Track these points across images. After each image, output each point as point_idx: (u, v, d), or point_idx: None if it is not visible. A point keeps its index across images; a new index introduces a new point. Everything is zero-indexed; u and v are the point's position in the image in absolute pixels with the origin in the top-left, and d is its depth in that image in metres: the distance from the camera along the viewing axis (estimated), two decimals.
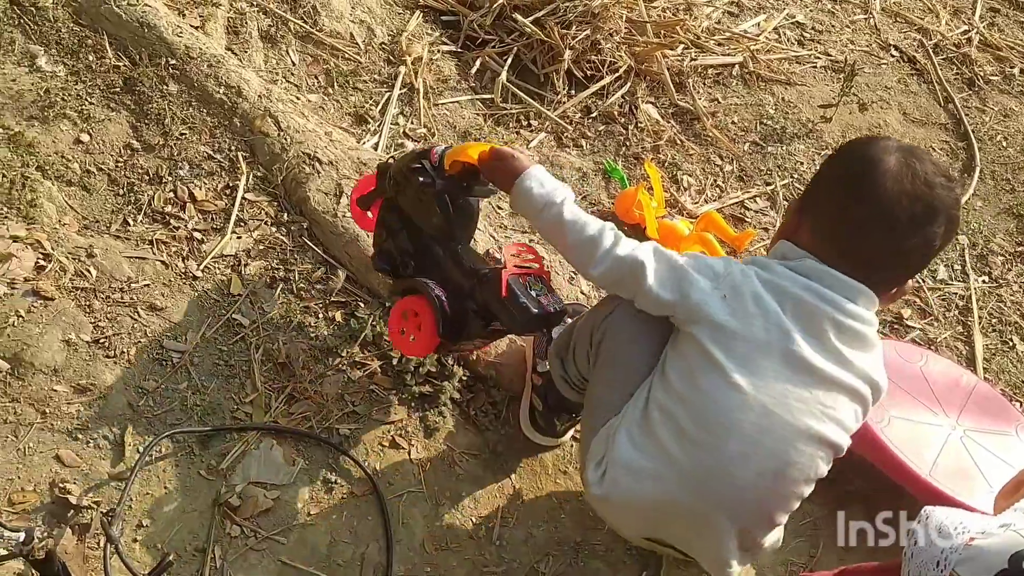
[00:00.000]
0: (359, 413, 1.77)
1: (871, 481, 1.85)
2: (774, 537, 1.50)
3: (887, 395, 1.81)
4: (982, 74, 3.17)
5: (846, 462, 1.50)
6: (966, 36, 3.32)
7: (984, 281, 2.49)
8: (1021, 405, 2.22)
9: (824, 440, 1.38)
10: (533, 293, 1.59)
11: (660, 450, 1.38)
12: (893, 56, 3.14)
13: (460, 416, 1.84)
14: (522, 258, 1.65)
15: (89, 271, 1.78)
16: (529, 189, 1.49)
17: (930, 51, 3.19)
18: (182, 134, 2.03)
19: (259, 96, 2.09)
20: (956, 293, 2.43)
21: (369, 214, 1.80)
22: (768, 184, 2.56)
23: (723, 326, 1.36)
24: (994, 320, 2.40)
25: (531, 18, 2.61)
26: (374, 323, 1.87)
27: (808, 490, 1.41)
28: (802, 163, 2.64)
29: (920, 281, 2.43)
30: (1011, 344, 2.35)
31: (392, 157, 1.88)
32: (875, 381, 1.43)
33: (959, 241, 2.57)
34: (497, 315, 1.63)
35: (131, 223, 1.90)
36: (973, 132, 2.90)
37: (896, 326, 2.32)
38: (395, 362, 1.83)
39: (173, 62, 2.09)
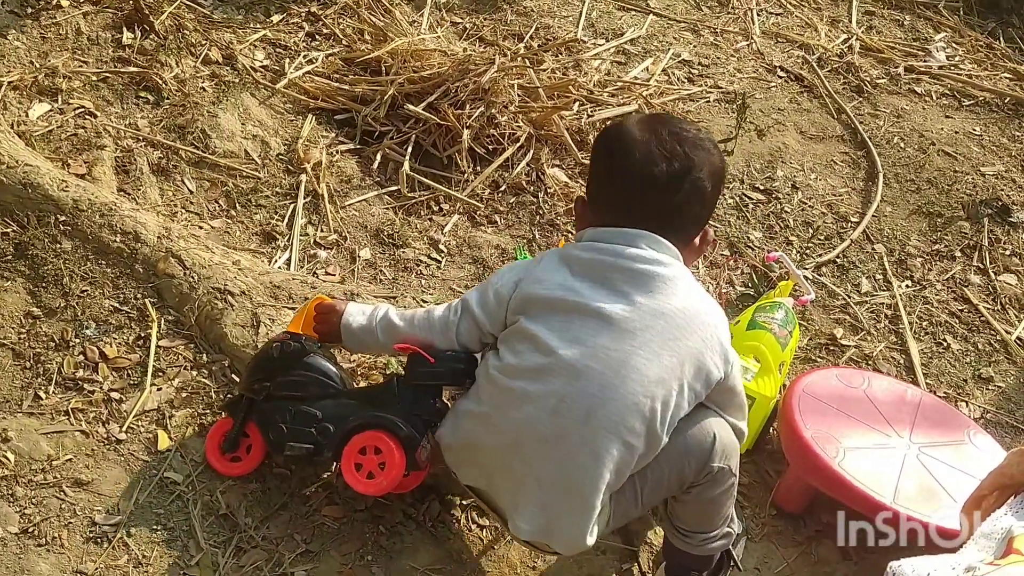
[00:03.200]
0: (313, 551, 1.71)
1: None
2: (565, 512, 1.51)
3: (839, 426, 1.84)
4: (868, 79, 3.26)
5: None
6: (847, 44, 3.43)
7: (907, 285, 2.53)
8: (967, 405, 2.25)
9: (606, 385, 1.45)
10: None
11: (473, 393, 1.58)
12: (780, 77, 3.22)
13: (417, 531, 1.79)
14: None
15: (6, 457, 1.70)
16: (349, 325, 1.69)
17: (814, 65, 3.27)
18: (83, 291, 1.97)
19: (158, 237, 2.04)
20: (882, 302, 2.47)
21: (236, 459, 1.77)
22: None
23: (524, 301, 1.53)
24: (924, 323, 2.44)
25: (423, 104, 2.61)
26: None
27: (638, 424, 1.46)
28: None
29: (846, 297, 2.46)
30: (945, 344, 2.39)
31: (230, 395, 1.88)
32: (657, 312, 1.49)
33: (876, 250, 2.62)
34: (439, 380, 1.67)
35: (43, 396, 1.82)
36: (870, 139, 2.98)
37: (831, 347, 2.34)
38: (338, 489, 1.77)
39: (63, 218, 2.03)
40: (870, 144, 2.95)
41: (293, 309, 1.98)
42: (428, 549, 1.77)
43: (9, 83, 2.33)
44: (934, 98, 3.21)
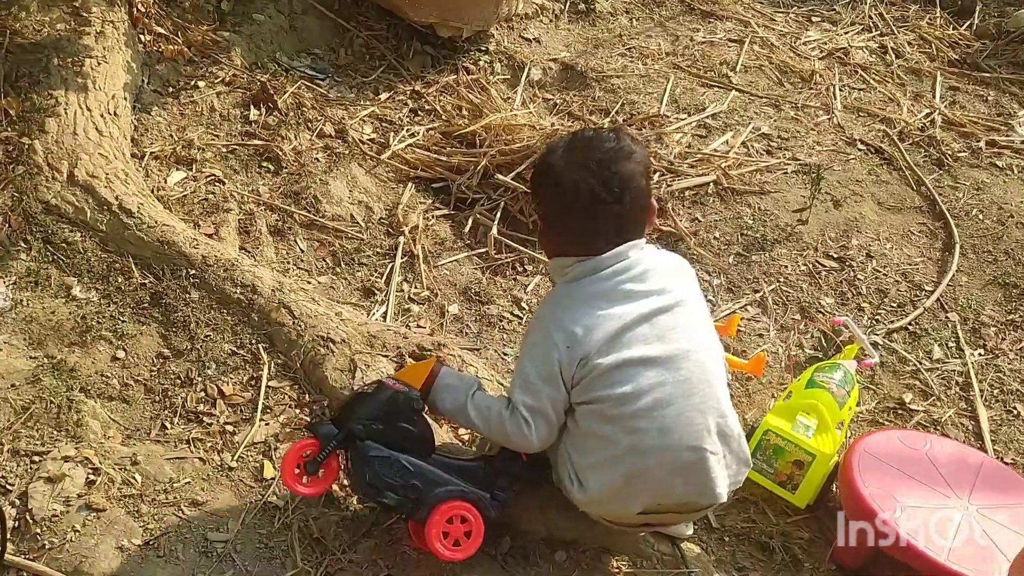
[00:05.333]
0: (393, 575, 1.88)
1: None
2: (735, 448, 1.79)
3: (898, 485, 1.92)
4: (950, 152, 3.33)
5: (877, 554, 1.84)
6: (929, 119, 3.50)
7: (980, 354, 2.57)
8: None
9: (693, 347, 1.75)
10: None
11: (601, 442, 1.73)
12: (860, 150, 3.33)
13: (490, 563, 1.94)
14: None
15: (135, 478, 1.94)
16: (442, 402, 1.87)
17: (895, 139, 3.36)
18: (207, 336, 2.23)
19: (272, 290, 2.30)
20: (954, 370, 2.52)
21: (305, 478, 1.82)
22: (756, 291, 2.70)
23: (588, 354, 1.71)
24: (995, 391, 2.47)
25: (512, 174, 2.84)
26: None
27: (720, 388, 1.77)
28: (786, 266, 2.79)
29: (917, 364, 2.52)
30: (1015, 412, 2.42)
31: (317, 416, 2.07)
32: (683, 278, 1.83)
33: (949, 318, 2.67)
34: (520, 478, 1.87)
35: (168, 426, 2.08)
36: (948, 210, 3.04)
37: (899, 411, 2.40)
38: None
39: (193, 272, 2.31)
40: (948, 215, 3.01)
41: (386, 356, 2.20)
42: None
43: (151, 153, 2.67)
44: (1015, 172, 3.25)
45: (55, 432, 1.99)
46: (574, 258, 1.78)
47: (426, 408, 1.89)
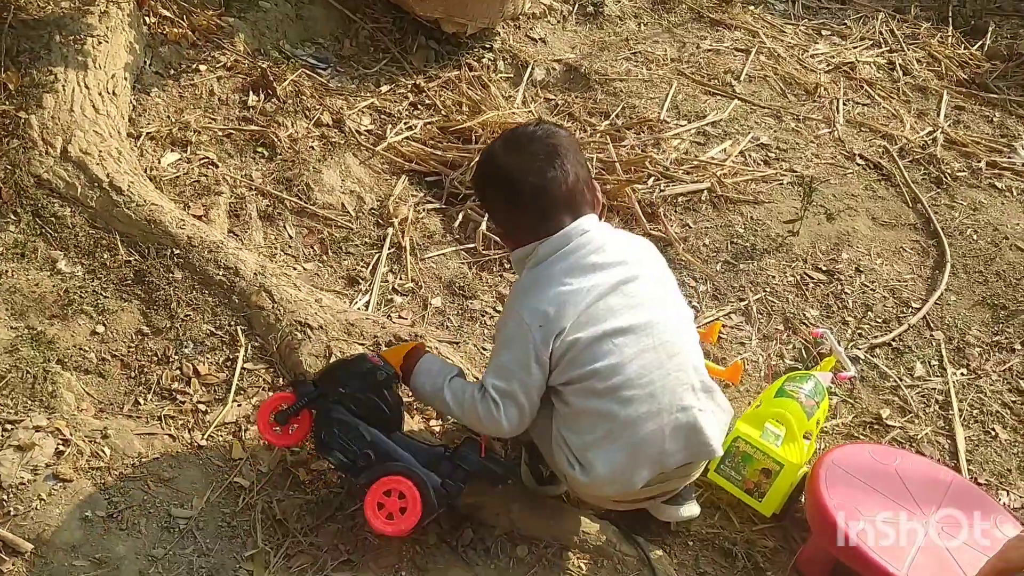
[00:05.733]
0: (353, 561, 1.89)
1: None
2: (718, 400, 1.87)
3: (863, 498, 1.92)
4: (949, 171, 3.32)
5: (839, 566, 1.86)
6: (931, 137, 3.49)
7: (963, 374, 2.56)
8: (1007, 494, 2.26)
9: (664, 311, 1.81)
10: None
11: (596, 418, 1.76)
12: (859, 164, 3.32)
13: (450, 554, 1.95)
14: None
15: (104, 451, 1.96)
16: (421, 386, 1.90)
17: (895, 155, 3.35)
18: (187, 315, 2.25)
19: (254, 273, 2.32)
20: (934, 388, 2.51)
21: (278, 429, 1.92)
22: (742, 300, 2.69)
23: (567, 332, 1.72)
24: (975, 411, 2.46)
25: None
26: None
27: (694, 347, 1.86)
28: (774, 276, 2.78)
29: (897, 380, 2.51)
30: (993, 433, 2.40)
31: (302, 374, 2.11)
32: (642, 250, 1.88)
33: (934, 337, 2.66)
34: (477, 473, 1.87)
35: (142, 402, 2.10)
36: (943, 229, 3.03)
37: (876, 426, 2.39)
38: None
39: (177, 252, 2.33)
40: (942, 233, 3.00)
41: (363, 345, 2.21)
42: (457, 572, 1.92)
43: (147, 133, 2.70)
44: (1014, 194, 3.23)
45: (29, 402, 2.01)
46: (534, 243, 1.80)
47: (401, 387, 1.95)
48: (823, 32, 4.15)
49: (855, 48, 4.01)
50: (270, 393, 2.15)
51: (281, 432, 1.93)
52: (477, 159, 1.91)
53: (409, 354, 1.96)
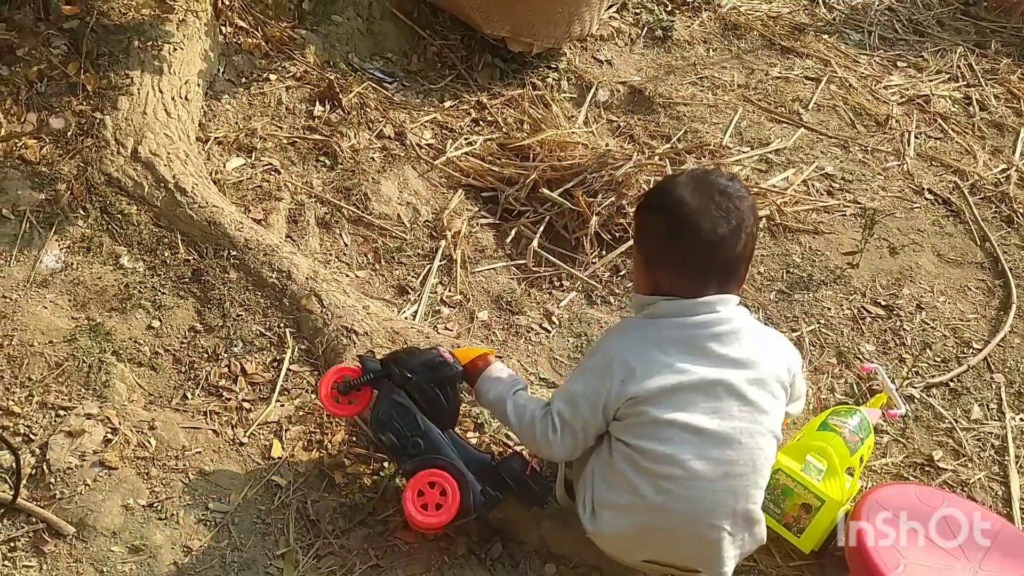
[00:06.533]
0: (382, 566, 1.91)
1: None
2: (755, 532, 1.76)
3: (907, 542, 1.86)
4: (1022, 211, 3.20)
5: None
6: (1004, 174, 3.38)
7: (1022, 419, 2.46)
8: None
9: (750, 433, 1.69)
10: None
11: (627, 486, 1.70)
12: (927, 199, 3.23)
13: (478, 567, 1.95)
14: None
15: (150, 442, 2.02)
16: (486, 391, 1.91)
17: (965, 191, 3.25)
18: (239, 315, 2.31)
19: (306, 278, 2.37)
20: (991, 432, 2.41)
21: (338, 399, 1.98)
22: (794, 331, 2.64)
23: (640, 398, 1.67)
24: None
25: (560, 190, 2.86)
26: (398, 480, 2.03)
27: (763, 477, 1.72)
28: (829, 308, 2.72)
29: (953, 422, 2.42)
30: None
31: (370, 351, 2.19)
32: (770, 357, 1.74)
33: (995, 379, 2.56)
34: (515, 488, 1.89)
35: (189, 397, 2.16)
36: (1011, 269, 2.92)
37: (927, 468, 2.31)
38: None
39: (234, 253, 2.39)
40: (1009, 274, 2.90)
41: None
42: None
43: (215, 139, 2.78)
44: None
45: (83, 390, 2.09)
46: (660, 296, 1.73)
47: (464, 388, 2.00)
48: (898, 64, 4.06)
49: (931, 81, 3.91)
50: (312, 396, 2.19)
51: (340, 402, 1.97)
52: (658, 185, 1.79)
53: (479, 358, 1.98)
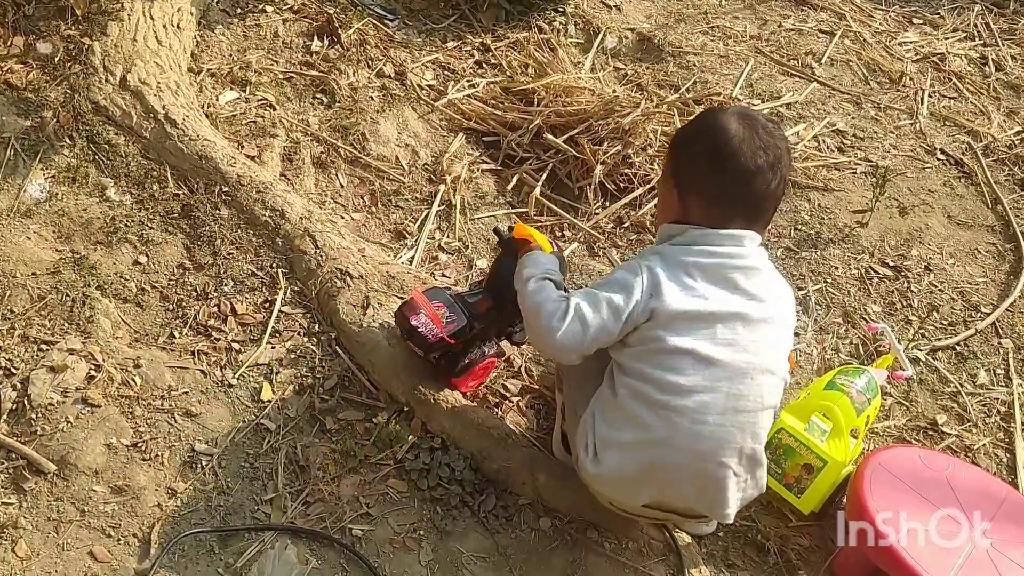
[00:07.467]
0: (372, 515, 1.86)
1: None
2: (758, 476, 1.72)
3: (908, 503, 1.81)
4: None
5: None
6: (1019, 136, 3.29)
7: None
8: None
9: (760, 369, 1.66)
10: None
11: (634, 421, 1.65)
12: (939, 159, 3.15)
13: (471, 519, 1.90)
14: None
15: (134, 380, 1.96)
16: (523, 266, 1.83)
17: (979, 153, 3.17)
18: (229, 253, 2.23)
19: (300, 217, 2.28)
20: (997, 398, 2.37)
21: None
22: (800, 288, 2.58)
23: (659, 317, 1.64)
24: None
25: (564, 137, 2.76)
26: (391, 427, 1.97)
27: (767, 417, 1.69)
28: (836, 267, 2.65)
29: (958, 386, 2.38)
30: None
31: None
32: (784, 300, 1.75)
33: (1002, 344, 2.51)
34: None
35: (177, 335, 2.08)
36: (1022, 234, 2.85)
37: (931, 432, 2.27)
38: (407, 465, 1.92)
39: (226, 189, 2.31)
40: (1021, 238, 2.83)
41: (402, 298, 2.16)
42: (477, 537, 1.88)
43: (208, 70, 2.68)
44: None
45: (66, 324, 2.01)
46: (689, 226, 1.70)
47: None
48: (914, 20, 3.94)
49: (947, 39, 3.80)
50: (304, 339, 2.12)
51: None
52: (702, 114, 1.80)
53: (539, 244, 1.91)
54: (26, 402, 1.86)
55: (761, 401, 1.67)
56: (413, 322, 1.94)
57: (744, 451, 1.67)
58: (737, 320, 1.66)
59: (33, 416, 1.84)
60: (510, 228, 2.06)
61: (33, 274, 2.07)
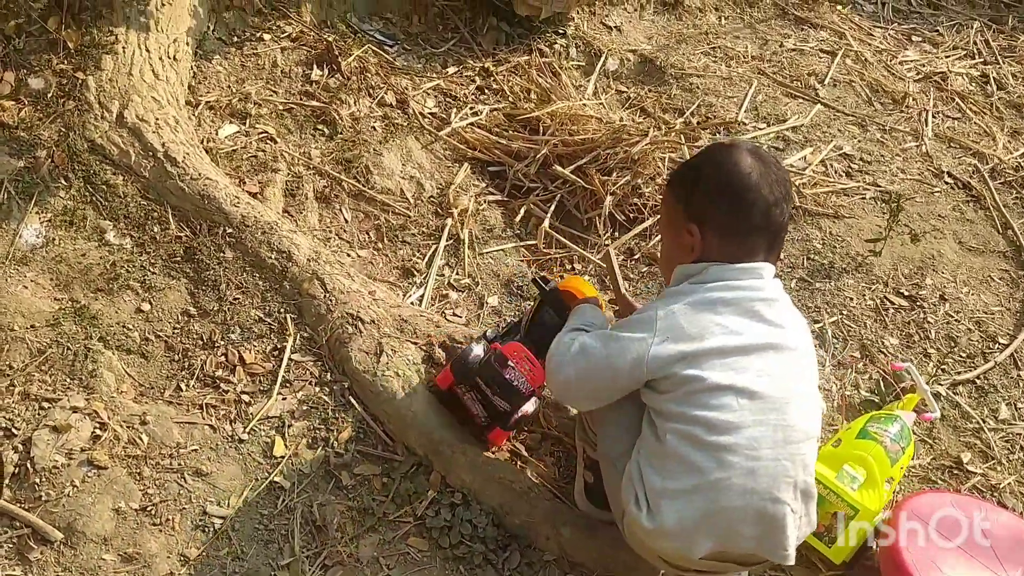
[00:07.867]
0: None
1: None
2: (810, 511, 1.67)
3: (943, 554, 1.77)
4: None
5: None
6: None
7: None
8: None
9: (801, 397, 1.65)
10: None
11: (687, 466, 1.57)
12: (947, 183, 3.12)
13: (492, 575, 1.84)
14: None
15: (141, 438, 1.88)
16: (569, 318, 1.87)
17: (986, 176, 3.15)
18: (236, 299, 2.15)
19: (308, 260, 2.21)
20: (1020, 433, 2.33)
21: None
22: (816, 322, 2.53)
23: (687, 357, 1.59)
24: None
25: (572, 167, 2.71)
26: (410, 482, 1.90)
27: (813, 447, 1.66)
28: (851, 298, 2.61)
29: (980, 421, 2.34)
30: None
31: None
32: (805, 330, 1.74)
33: (1021, 376, 2.48)
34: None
35: (183, 388, 2.01)
36: None
37: (956, 471, 2.23)
38: (427, 522, 1.85)
39: (230, 230, 2.23)
40: None
41: (415, 343, 2.10)
42: None
43: (207, 103, 2.59)
44: None
45: (68, 380, 1.93)
46: (706, 264, 1.68)
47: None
48: (913, 38, 3.92)
49: (947, 58, 3.78)
50: (316, 388, 2.04)
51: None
52: (707, 151, 1.77)
53: (580, 294, 1.96)
54: (29, 465, 1.78)
55: (807, 431, 1.65)
56: (508, 376, 1.87)
57: (798, 484, 1.62)
58: (770, 350, 1.64)
59: (37, 480, 1.76)
60: (544, 279, 2.06)
61: (32, 326, 1.98)
